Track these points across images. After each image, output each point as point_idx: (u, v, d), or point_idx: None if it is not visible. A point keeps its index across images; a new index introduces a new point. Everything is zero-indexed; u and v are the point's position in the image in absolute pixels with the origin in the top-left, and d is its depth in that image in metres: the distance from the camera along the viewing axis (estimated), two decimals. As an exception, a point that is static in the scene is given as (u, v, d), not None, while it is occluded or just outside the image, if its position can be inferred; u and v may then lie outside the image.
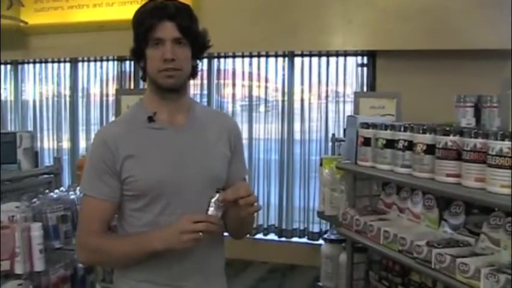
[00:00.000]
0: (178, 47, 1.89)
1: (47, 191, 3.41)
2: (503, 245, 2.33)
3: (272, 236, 6.95)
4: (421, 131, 2.69)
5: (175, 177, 1.91)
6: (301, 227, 6.86)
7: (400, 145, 2.83)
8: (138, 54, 1.94)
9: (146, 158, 1.90)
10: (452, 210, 2.67)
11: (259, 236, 6.95)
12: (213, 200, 1.83)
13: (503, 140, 2.21)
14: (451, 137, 2.49)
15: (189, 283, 1.96)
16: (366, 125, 3.14)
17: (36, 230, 2.95)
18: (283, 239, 6.91)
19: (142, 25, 1.89)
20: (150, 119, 1.94)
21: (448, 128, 2.56)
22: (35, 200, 3.14)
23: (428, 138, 2.63)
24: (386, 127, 2.98)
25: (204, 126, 2.03)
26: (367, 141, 3.11)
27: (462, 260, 2.29)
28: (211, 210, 1.82)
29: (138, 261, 1.91)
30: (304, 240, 6.83)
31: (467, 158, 2.38)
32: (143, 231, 1.90)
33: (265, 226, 6.96)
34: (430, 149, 2.61)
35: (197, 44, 1.95)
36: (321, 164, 4.03)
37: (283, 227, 6.90)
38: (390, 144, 2.92)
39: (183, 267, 1.94)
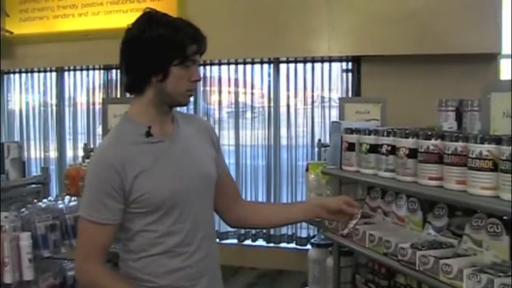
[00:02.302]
0: None
1: (35, 200, 3.42)
2: (485, 246, 2.37)
3: (260, 242, 6.97)
4: (403, 136, 2.73)
5: (183, 185, 1.96)
6: (290, 232, 6.88)
7: (384, 150, 2.87)
8: (158, 69, 1.90)
9: (154, 173, 1.91)
10: (435, 213, 2.72)
11: (248, 242, 6.98)
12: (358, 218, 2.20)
13: (482, 143, 2.26)
14: (433, 141, 2.53)
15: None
16: (350, 131, 3.18)
17: (25, 240, 2.96)
18: (272, 244, 6.93)
19: (182, 44, 1.89)
20: (148, 134, 1.95)
21: (429, 132, 2.61)
22: (23, 209, 3.16)
23: (410, 142, 2.68)
24: (370, 132, 3.02)
25: (189, 132, 2.09)
26: (351, 147, 3.15)
27: (445, 261, 2.33)
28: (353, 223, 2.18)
29: None
30: (293, 245, 6.85)
31: (448, 161, 2.43)
32: None
33: (254, 232, 6.97)
34: (413, 153, 2.66)
35: None
36: (306, 170, 4.07)
37: (272, 232, 6.92)
38: (374, 149, 2.96)
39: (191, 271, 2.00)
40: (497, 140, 2.23)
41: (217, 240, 6.86)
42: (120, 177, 1.87)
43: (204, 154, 2.10)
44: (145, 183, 1.89)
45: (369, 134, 3.02)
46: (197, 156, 2.06)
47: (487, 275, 2.13)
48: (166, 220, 1.94)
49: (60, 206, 3.31)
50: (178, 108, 2.12)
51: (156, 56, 1.88)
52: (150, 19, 1.93)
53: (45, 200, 3.42)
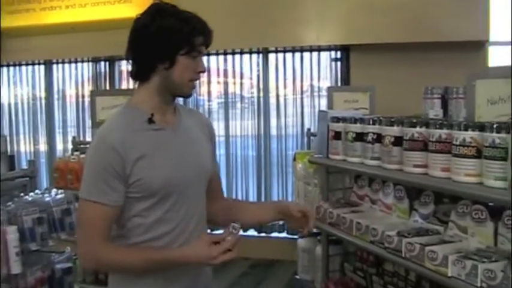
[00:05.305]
0: None
1: (22, 194, 3.41)
2: (470, 232, 2.38)
3: (252, 232, 6.98)
4: (388, 124, 2.74)
5: (180, 175, 1.99)
6: (281, 222, 6.87)
7: (370, 138, 2.87)
8: (165, 57, 1.95)
9: (154, 159, 1.94)
10: (422, 200, 2.73)
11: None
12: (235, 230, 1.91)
13: (466, 130, 2.26)
14: (418, 129, 2.54)
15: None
16: (337, 119, 3.18)
17: (12, 233, 2.96)
18: (263, 234, 6.94)
19: (191, 35, 1.95)
20: (150, 121, 1.98)
21: (414, 120, 2.61)
22: (9, 203, 3.15)
23: (395, 130, 2.68)
24: (355, 121, 3.02)
25: (191, 124, 2.13)
26: (337, 135, 3.15)
27: (431, 248, 2.34)
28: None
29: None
30: (284, 235, 6.88)
31: (433, 149, 2.44)
32: (159, 250, 1.95)
33: (245, 222, 6.97)
34: (398, 141, 2.66)
35: None
36: (294, 159, 4.07)
37: (263, 222, 6.91)
38: (360, 137, 2.96)
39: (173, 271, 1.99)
40: (481, 127, 2.23)
41: (208, 230, 6.99)
42: (122, 159, 1.88)
43: (203, 147, 2.14)
44: (144, 168, 1.91)
45: (355, 123, 3.02)
46: (197, 149, 2.10)
47: (472, 261, 2.14)
48: (161, 207, 1.95)
49: (47, 199, 3.31)
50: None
51: (165, 44, 1.93)
52: (160, 9, 1.99)
53: (32, 194, 3.41)
